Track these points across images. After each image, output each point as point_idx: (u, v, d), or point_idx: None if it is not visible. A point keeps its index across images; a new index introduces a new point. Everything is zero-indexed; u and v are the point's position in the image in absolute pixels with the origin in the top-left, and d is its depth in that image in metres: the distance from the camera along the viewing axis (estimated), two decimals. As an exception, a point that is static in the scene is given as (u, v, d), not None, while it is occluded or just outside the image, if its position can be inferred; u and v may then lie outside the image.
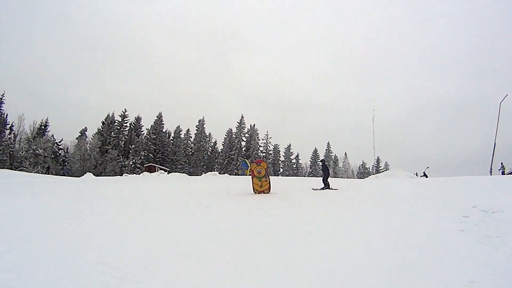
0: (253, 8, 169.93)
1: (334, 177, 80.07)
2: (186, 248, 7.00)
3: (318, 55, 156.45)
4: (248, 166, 44.31)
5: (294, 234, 8.41)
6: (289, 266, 6.11)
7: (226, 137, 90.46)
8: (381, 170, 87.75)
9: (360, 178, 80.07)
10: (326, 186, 18.69)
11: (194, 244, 7.27)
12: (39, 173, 56.16)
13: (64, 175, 58.62)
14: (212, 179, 31.58)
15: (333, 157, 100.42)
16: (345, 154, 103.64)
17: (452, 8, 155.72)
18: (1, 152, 64.46)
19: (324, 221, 9.95)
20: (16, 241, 6.81)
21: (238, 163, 78.38)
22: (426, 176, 36.54)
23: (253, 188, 17.43)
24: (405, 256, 6.38)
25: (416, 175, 47.79)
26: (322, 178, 19.36)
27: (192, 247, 7.04)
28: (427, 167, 51.67)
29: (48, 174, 53.29)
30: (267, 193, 17.15)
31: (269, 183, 17.46)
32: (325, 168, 19.66)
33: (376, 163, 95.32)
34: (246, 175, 40.66)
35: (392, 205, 12.07)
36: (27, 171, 54.22)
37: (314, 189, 18.74)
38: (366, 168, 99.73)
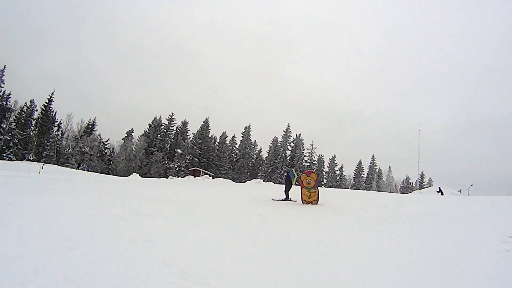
0: (299, 17, 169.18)
1: (378, 190, 78.53)
2: (247, 254, 6.91)
3: (364, 65, 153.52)
4: (294, 176, 43.09)
5: (347, 246, 8.24)
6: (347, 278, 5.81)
7: (271, 145, 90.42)
8: (425, 186, 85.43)
9: (404, 193, 77.79)
10: (287, 197, 18.99)
11: (253, 251, 7.24)
12: (83, 170, 57.32)
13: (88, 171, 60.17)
14: (257, 186, 31.77)
15: (377, 170, 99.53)
16: (389, 167, 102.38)
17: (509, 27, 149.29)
18: (49, 148, 67.78)
19: (372, 235, 9.77)
20: (79, 239, 6.78)
21: (283, 172, 77.68)
22: (442, 193, 35.84)
23: (302, 199, 17.46)
24: (454, 273, 6.09)
25: (460, 192, 45.85)
26: (284, 188, 19.70)
27: (252, 253, 6.97)
28: (471, 185, 49.24)
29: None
30: (315, 204, 17.08)
31: (318, 194, 17.40)
32: (288, 179, 19.87)
33: (420, 178, 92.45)
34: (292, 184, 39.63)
35: (436, 222, 11.74)
36: (72, 168, 55.21)
37: (273, 200, 18.92)
38: (410, 182, 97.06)
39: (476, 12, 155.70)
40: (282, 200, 18.76)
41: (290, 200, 18.72)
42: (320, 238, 9.03)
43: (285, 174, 21.53)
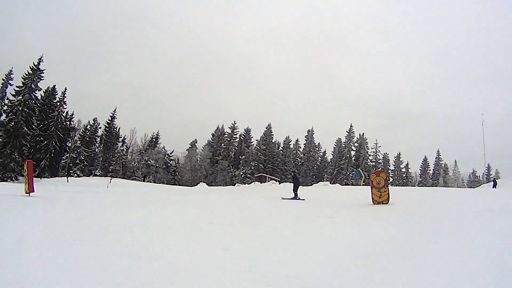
0: (354, 14, 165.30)
1: (445, 186, 74.61)
2: (326, 259, 6.83)
3: (421, 60, 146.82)
4: (362, 176, 42.47)
5: (422, 247, 7.81)
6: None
7: (335, 146, 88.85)
8: (491, 179, 79.29)
9: (471, 187, 74.11)
10: (295, 196, 19.58)
11: (332, 255, 7.18)
12: (150, 182, 58.41)
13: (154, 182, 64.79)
14: (324, 189, 31.63)
15: (443, 165, 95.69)
16: (455, 162, 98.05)
17: None
18: (115, 162, 70.28)
19: (447, 235, 9.20)
20: (159, 250, 6.94)
21: (349, 173, 78.20)
22: (494, 186, 33.97)
23: (372, 199, 17.02)
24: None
25: None
26: (292, 188, 20.30)
27: (331, 259, 6.87)
28: None
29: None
30: (386, 203, 16.66)
31: (388, 193, 16.93)
32: (295, 179, 20.71)
33: (486, 171, 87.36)
34: (360, 185, 40.35)
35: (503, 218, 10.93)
36: (138, 180, 56.06)
37: (283, 198, 19.68)
38: (477, 176, 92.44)
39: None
40: (291, 198, 19.47)
41: (299, 199, 19.39)
42: (396, 239, 8.93)
43: (292, 174, 24.00)
